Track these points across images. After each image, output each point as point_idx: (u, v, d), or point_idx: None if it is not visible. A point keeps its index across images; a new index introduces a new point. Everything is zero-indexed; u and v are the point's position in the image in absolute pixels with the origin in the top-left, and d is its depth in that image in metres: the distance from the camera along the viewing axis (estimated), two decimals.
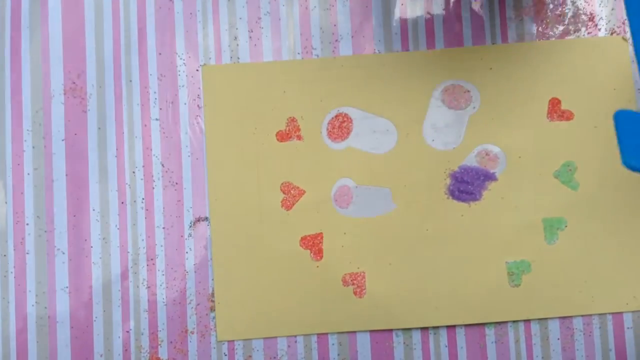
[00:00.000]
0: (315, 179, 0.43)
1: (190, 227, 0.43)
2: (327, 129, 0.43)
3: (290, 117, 0.43)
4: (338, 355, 0.43)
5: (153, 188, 0.44)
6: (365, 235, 0.42)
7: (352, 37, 0.44)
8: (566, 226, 0.42)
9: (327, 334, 0.43)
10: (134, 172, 0.44)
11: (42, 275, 0.43)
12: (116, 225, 0.43)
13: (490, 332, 0.43)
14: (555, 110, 0.43)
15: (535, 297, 0.42)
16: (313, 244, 0.42)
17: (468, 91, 0.42)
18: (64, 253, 0.43)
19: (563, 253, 0.42)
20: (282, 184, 0.43)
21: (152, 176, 0.44)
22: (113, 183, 0.44)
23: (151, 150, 0.44)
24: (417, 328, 0.43)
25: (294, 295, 0.42)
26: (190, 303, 0.43)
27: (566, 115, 0.42)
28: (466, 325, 0.43)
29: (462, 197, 0.43)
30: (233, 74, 0.43)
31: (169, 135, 0.44)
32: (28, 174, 0.44)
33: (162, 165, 0.44)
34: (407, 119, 0.42)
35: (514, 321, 0.43)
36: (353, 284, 0.42)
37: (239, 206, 0.42)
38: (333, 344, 0.43)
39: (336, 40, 0.44)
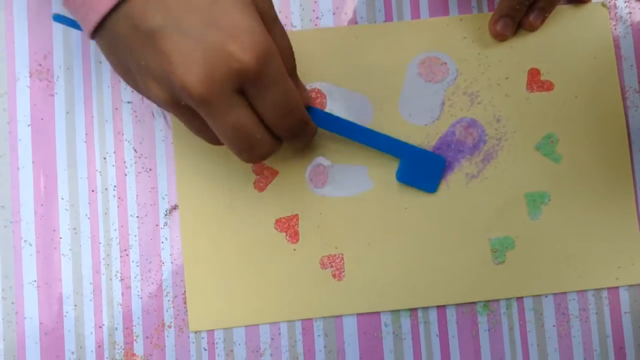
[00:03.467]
0: (288, 158, 0.41)
1: (165, 215, 0.42)
2: None
3: None
4: (324, 347, 0.41)
5: (125, 175, 0.42)
6: (342, 215, 0.41)
7: (334, 14, 0.43)
8: (549, 200, 0.41)
9: (311, 320, 0.41)
10: (104, 159, 0.42)
11: (8, 268, 0.42)
12: (87, 215, 0.42)
13: (482, 320, 0.41)
14: (535, 80, 0.41)
15: (519, 274, 0.40)
16: (288, 226, 0.41)
17: (445, 63, 0.41)
18: (31, 245, 0.42)
19: (547, 228, 0.41)
20: (255, 164, 0.41)
21: (125, 162, 0.42)
22: (83, 170, 0.42)
23: (123, 135, 0.42)
24: (406, 316, 0.41)
25: (270, 281, 0.41)
26: (167, 295, 0.41)
27: (546, 86, 0.41)
28: (458, 313, 0.41)
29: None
30: None
31: (142, 118, 0.42)
32: None
33: (135, 150, 0.42)
34: (383, 93, 0.41)
35: (507, 306, 0.41)
36: (331, 266, 0.41)
37: (209, 189, 0.41)
38: (319, 335, 0.41)
39: (317, 18, 0.43)
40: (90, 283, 0.41)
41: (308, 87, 0.42)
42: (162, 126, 0.42)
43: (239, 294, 0.40)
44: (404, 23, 0.42)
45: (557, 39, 0.41)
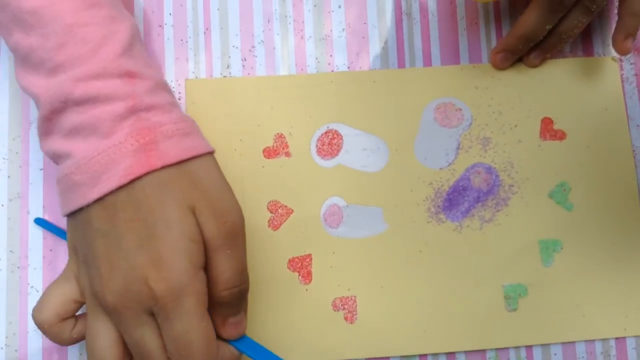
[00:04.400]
0: (303, 197, 0.41)
1: None
2: (317, 146, 0.42)
3: (278, 134, 0.42)
4: None
5: None
6: (355, 256, 0.41)
7: (348, 67, 0.43)
8: (562, 248, 0.41)
9: None
10: None
11: (13, 314, 0.40)
12: None
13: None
14: (548, 129, 0.42)
15: (531, 322, 0.40)
16: (301, 266, 0.41)
17: (460, 109, 0.42)
18: (38, 291, 0.41)
19: (559, 276, 0.41)
20: (269, 202, 0.41)
21: None
22: None
23: None
24: (414, 355, 0.40)
25: (281, 321, 0.40)
26: None
27: (559, 135, 0.42)
28: (466, 352, 0.40)
29: (456, 217, 0.41)
30: (217, 89, 0.42)
31: None
32: (2, 205, 0.42)
33: None
34: (399, 136, 0.42)
35: (515, 348, 0.40)
36: (344, 308, 0.40)
37: None
38: None
39: (332, 71, 0.43)
40: None
41: (324, 128, 0.42)
42: None
43: (250, 333, 0.39)
44: (419, 69, 0.42)
45: (569, 91, 0.42)
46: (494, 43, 0.43)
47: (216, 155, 0.41)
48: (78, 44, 0.33)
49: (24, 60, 0.35)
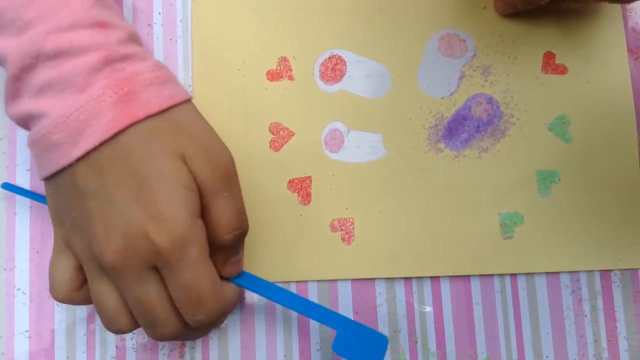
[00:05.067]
0: (305, 120, 0.41)
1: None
2: (320, 71, 0.42)
3: (281, 57, 0.42)
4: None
5: None
6: (355, 180, 0.41)
7: None
8: (559, 179, 0.41)
9: (306, 283, 0.41)
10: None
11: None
12: None
13: (475, 289, 0.41)
14: (550, 63, 0.42)
15: (526, 250, 0.41)
16: (301, 187, 0.41)
17: (463, 40, 0.42)
18: (24, 293, 0.40)
19: (556, 207, 0.41)
20: (271, 124, 0.41)
21: None
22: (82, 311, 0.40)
23: None
24: (410, 278, 0.41)
25: (280, 241, 0.40)
26: (162, 349, 0.40)
27: (560, 69, 0.42)
28: (452, 279, 0.41)
29: (455, 146, 0.42)
30: (224, 9, 0.42)
31: None
32: None
33: None
34: (402, 65, 0.42)
35: (500, 275, 0.41)
36: (341, 229, 0.41)
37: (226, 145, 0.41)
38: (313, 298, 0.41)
39: None
40: (84, 334, 0.40)
41: (328, 53, 0.42)
42: None
43: (248, 252, 0.40)
44: None
45: (571, 25, 0.42)
46: None
47: (220, 76, 0.41)
48: None
49: None
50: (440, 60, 0.42)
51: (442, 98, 0.42)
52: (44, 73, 0.32)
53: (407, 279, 0.41)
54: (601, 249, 0.41)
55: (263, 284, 0.36)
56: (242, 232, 0.34)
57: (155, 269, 0.31)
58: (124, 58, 0.33)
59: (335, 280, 0.40)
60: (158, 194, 0.31)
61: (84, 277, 0.34)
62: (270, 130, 0.41)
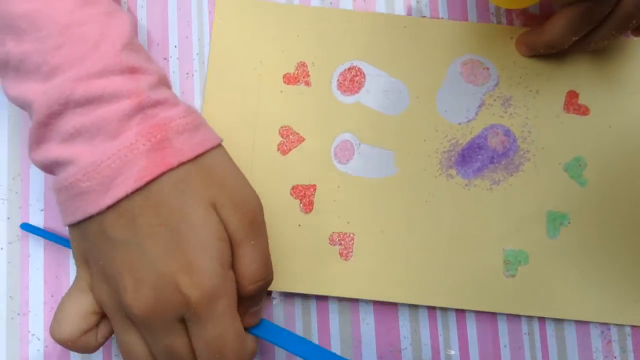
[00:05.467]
0: (317, 127, 0.40)
1: None
2: (338, 80, 0.41)
3: (300, 62, 0.41)
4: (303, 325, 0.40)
5: None
6: (361, 195, 0.40)
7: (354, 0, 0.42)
8: (569, 223, 0.40)
9: (293, 295, 0.40)
10: None
11: None
12: None
13: (503, 330, 0.40)
14: (572, 102, 0.41)
15: (528, 291, 0.39)
16: (304, 195, 0.40)
17: (487, 69, 0.41)
18: (39, 339, 0.39)
19: (562, 249, 0.40)
20: (282, 127, 0.40)
21: None
22: None
23: None
24: (402, 304, 0.39)
25: (276, 248, 0.39)
26: None
27: (582, 110, 0.41)
28: (478, 319, 0.40)
29: (467, 175, 0.40)
30: (247, 9, 0.41)
31: None
32: (1, 248, 0.39)
33: None
34: (422, 85, 0.41)
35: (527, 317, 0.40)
36: (340, 244, 0.39)
37: (233, 144, 0.39)
38: (298, 314, 0.40)
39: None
40: None
41: (348, 64, 0.41)
42: None
43: None
44: (453, 22, 0.41)
45: (599, 67, 0.42)
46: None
47: (237, 74, 0.40)
48: (76, 43, 0.31)
49: (17, 69, 0.32)
50: (462, 85, 0.41)
51: (459, 124, 0.41)
52: (74, 120, 0.31)
53: (432, 319, 0.40)
54: (608, 299, 0.39)
55: (283, 334, 0.35)
56: (266, 283, 0.33)
57: (183, 320, 0.31)
58: (156, 104, 0.32)
59: (358, 322, 0.39)
60: (190, 245, 0.30)
61: (94, 323, 0.32)
62: (280, 133, 0.40)
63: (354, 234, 0.39)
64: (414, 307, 0.40)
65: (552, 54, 0.41)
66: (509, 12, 0.42)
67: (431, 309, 0.40)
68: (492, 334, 0.40)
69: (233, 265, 0.32)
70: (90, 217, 0.31)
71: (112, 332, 0.33)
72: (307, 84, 0.40)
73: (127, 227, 0.30)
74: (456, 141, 0.40)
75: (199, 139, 0.32)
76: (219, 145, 0.33)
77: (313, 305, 0.40)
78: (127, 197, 0.30)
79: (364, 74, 0.41)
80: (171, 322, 0.30)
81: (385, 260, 0.39)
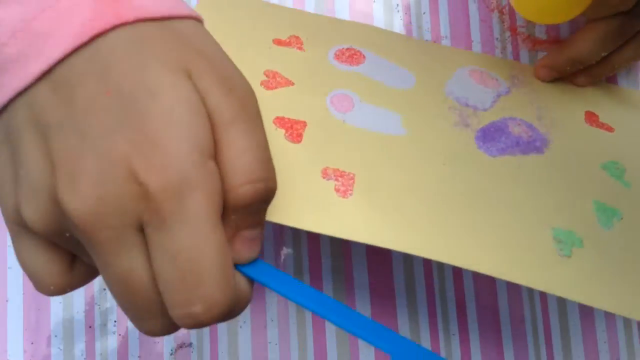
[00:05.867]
0: (309, 79, 0.33)
1: (171, 354, 0.36)
2: (335, 53, 0.35)
3: (294, 35, 0.36)
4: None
5: None
6: (363, 143, 0.31)
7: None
8: (622, 219, 0.32)
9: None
10: (104, 289, 0.37)
11: None
12: (82, 355, 0.36)
13: None
14: (594, 120, 0.37)
15: (584, 276, 0.29)
16: (292, 127, 0.30)
17: (495, 79, 0.37)
18: None
19: (619, 242, 0.31)
20: (267, 70, 0.33)
21: None
22: (80, 302, 0.37)
23: None
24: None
25: None
26: None
27: (606, 127, 0.37)
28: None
29: (491, 152, 0.33)
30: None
31: None
32: None
33: None
34: (429, 75, 0.36)
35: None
36: (337, 180, 0.29)
37: None
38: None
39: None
40: None
41: (347, 45, 0.36)
42: None
43: None
44: (458, 50, 0.39)
45: (616, 94, 0.38)
46: None
47: (226, 24, 0.36)
48: None
49: None
50: (472, 85, 0.36)
51: (474, 110, 0.34)
52: None
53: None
54: None
55: (285, 279, 0.24)
56: (265, 190, 0.23)
57: (142, 230, 0.22)
58: None
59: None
60: (150, 118, 0.21)
61: (65, 253, 0.24)
62: (265, 74, 0.32)
63: (354, 174, 0.29)
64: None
65: (567, 82, 0.38)
66: (514, 34, 0.41)
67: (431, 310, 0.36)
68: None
69: (217, 158, 0.22)
70: (18, 98, 0.22)
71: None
72: (300, 49, 0.35)
73: (64, 105, 0.22)
74: (474, 121, 0.34)
75: (170, 3, 0.24)
76: (199, 22, 0.25)
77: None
78: (65, 61, 0.22)
79: (363, 55, 0.36)
80: (124, 232, 0.21)
81: (398, 205, 0.29)
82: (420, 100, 0.34)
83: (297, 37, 0.36)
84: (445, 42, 0.40)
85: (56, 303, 0.37)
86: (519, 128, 0.35)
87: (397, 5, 0.40)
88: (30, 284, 0.37)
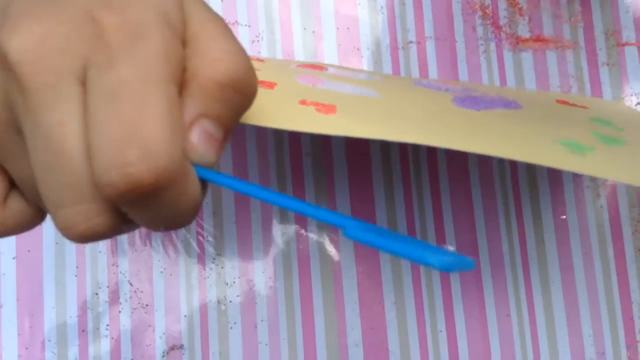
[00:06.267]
0: (273, 65, 0.32)
1: (163, 356, 0.37)
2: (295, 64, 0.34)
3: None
4: None
5: (119, 312, 0.38)
6: (338, 96, 0.29)
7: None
8: (625, 144, 0.29)
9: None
10: (96, 294, 0.38)
11: None
12: (76, 359, 0.37)
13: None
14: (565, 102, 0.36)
15: (605, 163, 0.26)
16: (262, 83, 0.28)
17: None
18: None
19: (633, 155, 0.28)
20: None
21: (119, 298, 0.38)
22: (72, 308, 0.38)
23: (117, 267, 0.38)
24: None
25: None
26: None
27: (579, 106, 0.35)
28: None
29: (475, 107, 0.31)
30: None
31: (138, 249, 0.38)
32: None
33: (130, 284, 0.38)
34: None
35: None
36: (316, 105, 0.26)
37: None
38: None
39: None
40: None
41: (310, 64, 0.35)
42: (161, 257, 0.38)
43: None
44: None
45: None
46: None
47: None
48: None
49: None
50: (440, 83, 0.36)
51: (446, 90, 0.33)
52: None
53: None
54: None
55: (240, 181, 0.21)
56: (244, 73, 0.20)
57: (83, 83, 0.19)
58: None
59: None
60: None
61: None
62: None
63: (335, 105, 0.27)
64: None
65: None
66: (497, 34, 0.41)
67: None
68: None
69: (188, 44, 0.20)
70: None
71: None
72: (260, 60, 0.34)
73: None
74: (450, 93, 0.33)
75: None
76: None
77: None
78: None
79: (325, 67, 0.34)
80: (64, 80, 0.18)
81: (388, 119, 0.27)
82: (391, 84, 0.33)
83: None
84: (430, 42, 0.40)
85: (50, 308, 0.37)
86: (493, 96, 0.33)
87: (382, 7, 0.40)
88: (23, 290, 0.37)
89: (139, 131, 0.18)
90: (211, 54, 0.20)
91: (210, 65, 0.20)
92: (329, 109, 0.26)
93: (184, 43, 0.20)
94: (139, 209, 0.19)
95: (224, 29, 0.21)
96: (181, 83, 0.20)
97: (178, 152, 0.19)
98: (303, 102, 0.26)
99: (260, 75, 0.29)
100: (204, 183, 0.21)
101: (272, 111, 0.25)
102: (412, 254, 0.17)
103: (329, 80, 0.31)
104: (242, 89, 0.20)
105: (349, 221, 0.19)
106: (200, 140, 0.20)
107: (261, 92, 0.27)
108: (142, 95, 0.18)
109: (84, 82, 0.19)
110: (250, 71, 0.20)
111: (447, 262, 0.17)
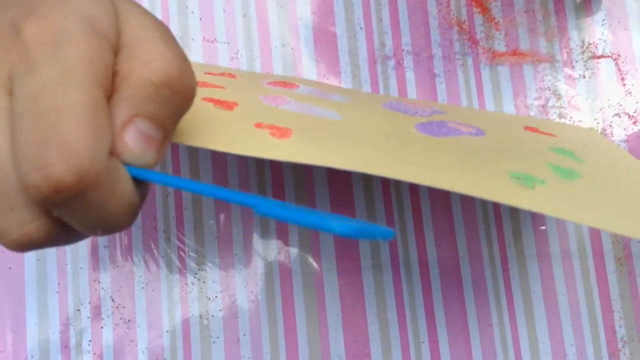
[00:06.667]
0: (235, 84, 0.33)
1: None
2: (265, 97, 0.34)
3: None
4: None
5: (102, 327, 0.37)
6: (299, 119, 0.29)
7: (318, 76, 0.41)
8: (582, 177, 0.29)
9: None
10: (78, 310, 0.38)
11: None
12: None
13: None
14: (534, 130, 0.36)
15: (554, 199, 0.26)
16: (218, 102, 0.29)
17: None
18: None
19: (583, 192, 0.28)
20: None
21: (101, 314, 0.38)
22: (54, 324, 0.37)
23: (99, 282, 0.38)
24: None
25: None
26: None
27: (546, 133, 0.36)
28: None
29: (434, 135, 0.32)
30: None
31: (120, 264, 0.38)
32: None
33: (112, 300, 0.38)
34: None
35: None
36: (271, 129, 0.27)
37: None
38: None
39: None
40: None
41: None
42: (143, 272, 0.38)
43: None
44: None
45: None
46: None
47: None
48: None
49: None
50: (408, 105, 0.36)
51: (414, 114, 0.34)
52: None
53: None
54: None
55: (175, 178, 0.22)
56: (178, 72, 0.21)
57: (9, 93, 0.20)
58: None
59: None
60: None
61: None
62: None
63: (291, 129, 0.27)
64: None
65: None
66: (474, 48, 0.41)
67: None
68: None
69: (121, 42, 0.21)
70: None
71: None
72: (232, 76, 0.35)
73: None
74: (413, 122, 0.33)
75: None
76: None
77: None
78: None
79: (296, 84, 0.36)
80: None
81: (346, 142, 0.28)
82: (358, 106, 0.34)
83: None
84: (408, 57, 0.41)
85: (32, 324, 0.37)
86: (458, 125, 0.34)
87: (360, 23, 0.41)
88: (5, 306, 0.37)
89: (58, 133, 0.18)
90: (144, 56, 0.20)
91: (143, 66, 0.20)
92: (283, 132, 0.26)
93: (117, 49, 0.21)
94: (68, 211, 0.19)
95: (162, 33, 0.21)
96: (112, 87, 0.20)
97: (101, 153, 0.19)
98: (259, 125, 0.27)
99: (224, 95, 0.30)
100: (144, 185, 0.22)
101: (224, 133, 0.26)
102: (316, 222, 0.18)
103: (295, 101, 0.32)
104: (178, 88, 0.21)
105: (259, 200, 0.20)
106: (136, 141, 0.20)
107: (218, 113, 0.27)
108: (62, 98, 0.18)
109: (11, 92, 0.19)
110: (186, 71, 0.21)
111: (350, 227, 0.18)
